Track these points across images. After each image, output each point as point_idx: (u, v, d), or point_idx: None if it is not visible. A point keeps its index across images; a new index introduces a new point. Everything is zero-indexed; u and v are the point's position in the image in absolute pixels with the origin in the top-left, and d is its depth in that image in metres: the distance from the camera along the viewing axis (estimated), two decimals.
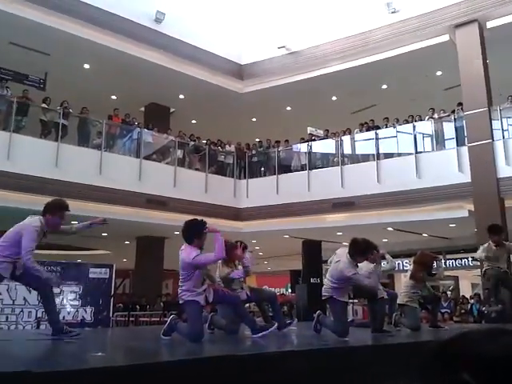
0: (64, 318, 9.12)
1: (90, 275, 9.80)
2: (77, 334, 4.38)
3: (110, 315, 9.81)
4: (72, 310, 9.26)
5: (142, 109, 15.81)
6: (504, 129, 11.30)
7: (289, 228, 13.79)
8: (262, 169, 14.91)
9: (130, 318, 11.61)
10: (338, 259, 4.94)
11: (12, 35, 11.72)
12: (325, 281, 5.20)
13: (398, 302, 6.18)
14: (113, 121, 13.36)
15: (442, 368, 0.71)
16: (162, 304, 13.24)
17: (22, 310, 8.21)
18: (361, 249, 4.90)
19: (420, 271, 6.07)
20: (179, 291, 4.42)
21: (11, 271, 4.19)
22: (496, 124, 11.28)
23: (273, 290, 14.74)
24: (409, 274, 6.28)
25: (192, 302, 4.30)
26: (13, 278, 4.34)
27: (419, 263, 6.18)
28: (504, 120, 11.39)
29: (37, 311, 8.25)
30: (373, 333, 5.26)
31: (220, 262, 5.26)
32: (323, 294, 5.01)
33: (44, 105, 11.90)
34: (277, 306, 5.91)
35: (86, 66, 13.52)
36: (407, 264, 16.13)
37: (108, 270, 10.54)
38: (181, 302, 4.41)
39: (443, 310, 11.43)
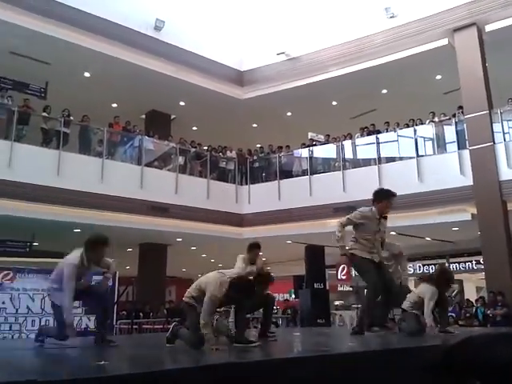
0: None
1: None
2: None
3: (114, 323, 9.78)
4: (76, 318, 9.23)
5: (143, 116, 15.85)
6: (505, 131, 11.30)
7: (291, 233, 13.78)
8: (264, 174, 14.91)
9: (134, 326, 11.58)
10: None
11: (12, 45, 11.76)
12: None
13: (402, 306, 6.10)
14: (113, 128, 13.39)
15: (449, 374, 0.69)
16: (165, 311, 13.20)
17: (25, 319, 8.18)
18: (382, 193, 5.01)
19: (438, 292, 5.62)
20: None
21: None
22: (497, 127, 11.28)
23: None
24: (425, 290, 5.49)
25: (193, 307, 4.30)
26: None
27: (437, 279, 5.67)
28: (505, 123, 11.40)
29: (40, 320, 8.23)
30: (351, 335, 5.24)
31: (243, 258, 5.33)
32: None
33: (44, 113, 11.94)
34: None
35: (87, 74, 13.57)
36: (410, 268, 16.11)
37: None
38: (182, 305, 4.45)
39: (448, 314, 11.37)
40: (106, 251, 4.72)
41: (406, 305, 5.95)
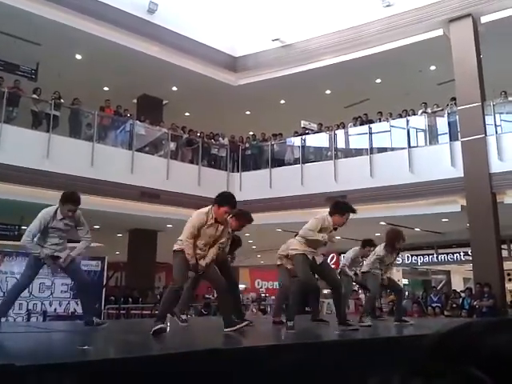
0: (55, 310, 9.11)
1: (82, 267, 9.75)
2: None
3: (102, 308, 9.78)
4: (63, 302, 9.23)
5: (135, 100, 15.69)
6: (497, 124, 11.32)
7: (282, 221, 13.77)
8: (256, 162, 14.86)
9: (122, 311, 11.58)
10: None
11: (1, 24, 11.55)
12: None
13: (362, 270, 6.56)
14: (105, 112, 13.25)
15: (443, 364, 0.63)
16: (158, 297, 13.14)
17: None
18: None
19: (387, 246, 6.25)
20: None
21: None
22: (489, 119, 11.30)
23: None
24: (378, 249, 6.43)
25: None
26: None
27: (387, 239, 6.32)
28: (497, 115, 11.42)
29: (28, 303, 8.21)
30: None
31: None
32: None
33: (35, 95, 11.78)
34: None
35: (78, 56, 13.39)
36: (399, 259, 16.20)
37: (100, 262, 10.53)
38: None
39: (434, 305, 11.49)
40: (75, 208, 4.85)
41: (365, 268, 6.48)
